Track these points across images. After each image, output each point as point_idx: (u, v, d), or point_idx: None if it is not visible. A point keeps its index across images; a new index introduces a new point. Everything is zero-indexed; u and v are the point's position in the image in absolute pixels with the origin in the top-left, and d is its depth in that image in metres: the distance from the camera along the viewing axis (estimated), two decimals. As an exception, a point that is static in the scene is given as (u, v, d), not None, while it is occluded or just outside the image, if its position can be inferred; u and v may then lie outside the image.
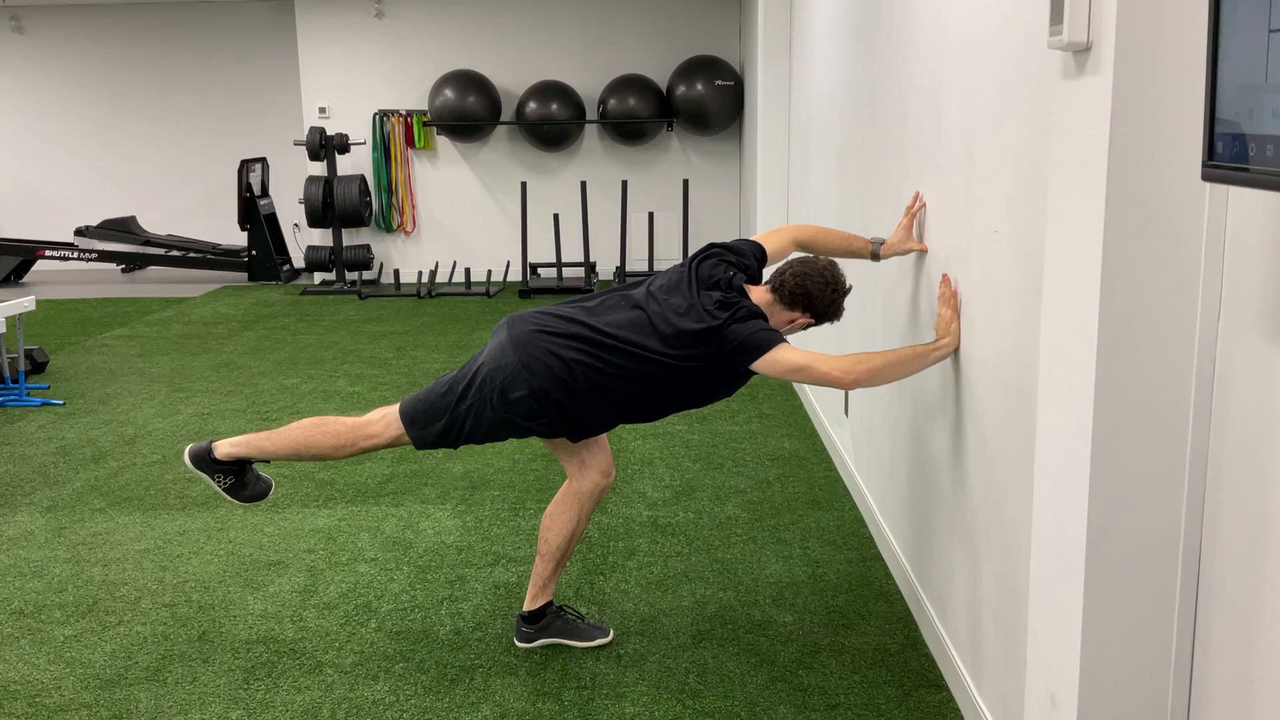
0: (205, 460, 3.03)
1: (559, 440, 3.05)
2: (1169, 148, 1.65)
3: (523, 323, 2.93)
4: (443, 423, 2.92)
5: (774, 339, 2.78)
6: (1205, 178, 1.38)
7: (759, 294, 2.97)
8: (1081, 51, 1.74)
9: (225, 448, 3.03)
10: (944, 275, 2.85)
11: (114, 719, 2.83)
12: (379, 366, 6.82)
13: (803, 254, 3.15)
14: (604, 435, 3.10)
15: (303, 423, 3.04)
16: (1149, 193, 1.67)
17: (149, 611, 3.43)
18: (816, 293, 2.96)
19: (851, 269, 3.57)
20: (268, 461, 3.10)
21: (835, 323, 3.08)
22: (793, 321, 2.98)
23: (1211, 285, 1.68)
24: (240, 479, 3.07)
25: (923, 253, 3.15)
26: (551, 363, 2.84)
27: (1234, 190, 1.63)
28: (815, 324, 3.03)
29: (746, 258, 3.04)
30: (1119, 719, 1.82)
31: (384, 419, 2.98)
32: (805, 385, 5.75)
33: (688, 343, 2.81)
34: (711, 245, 3.05)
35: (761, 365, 2.78)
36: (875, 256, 3.23)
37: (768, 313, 2.92)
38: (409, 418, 2.95)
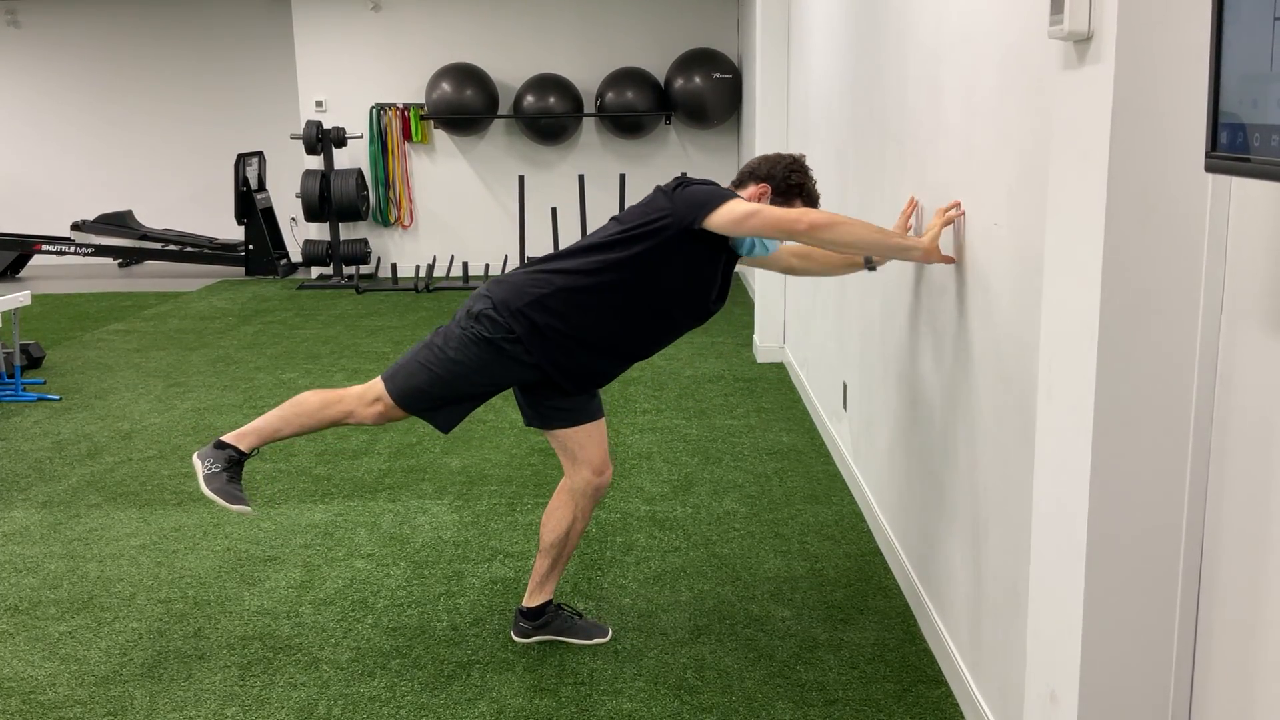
0: (219, 443, 2.97)
1: (556, 432, 3.03)
2: (1171, 138, 1.63)
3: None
4: (416, 361, 2.91)
5: (727, 195, 2.78)
6: (1209, 168, 1.36)
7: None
8: (1082, 41, 1.72)
9: (236, 435, 2.98)
10: (956, 201, 2.81)
11: (109, 716, 2.81)
12: (376, 361, 6.80)
13: None
14: (599, 431, 3.05)
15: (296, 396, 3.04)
16: (1151, 184, 1.65)
17: (145, 608, 3.42)
18: (766, 165, 2.96)
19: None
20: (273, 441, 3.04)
21: (813, 199, 2.98)
22: (761, 197, 2.94)
23: (1214, 277, 1.66)
24: (229, 472, 2.95)
25: None
26: (518, 280, 2.89)
27: (1236, 181, 1.61)
28: (783, 198, 2.93)
29: None
30: (1120, 716, 1.81)
31: (369, 383, 2.98)
32: (804, 380, 5.73)
33: (641, 212, 2.83)
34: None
35: (716, 219, 2.72)
36: (870, 265, 3.19)
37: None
38: (388, 374, 2.96)
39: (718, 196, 2.74)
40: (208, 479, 2.93)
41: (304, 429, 2.98)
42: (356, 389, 2.97)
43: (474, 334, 2.85)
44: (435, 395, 2.92)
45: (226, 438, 2.97)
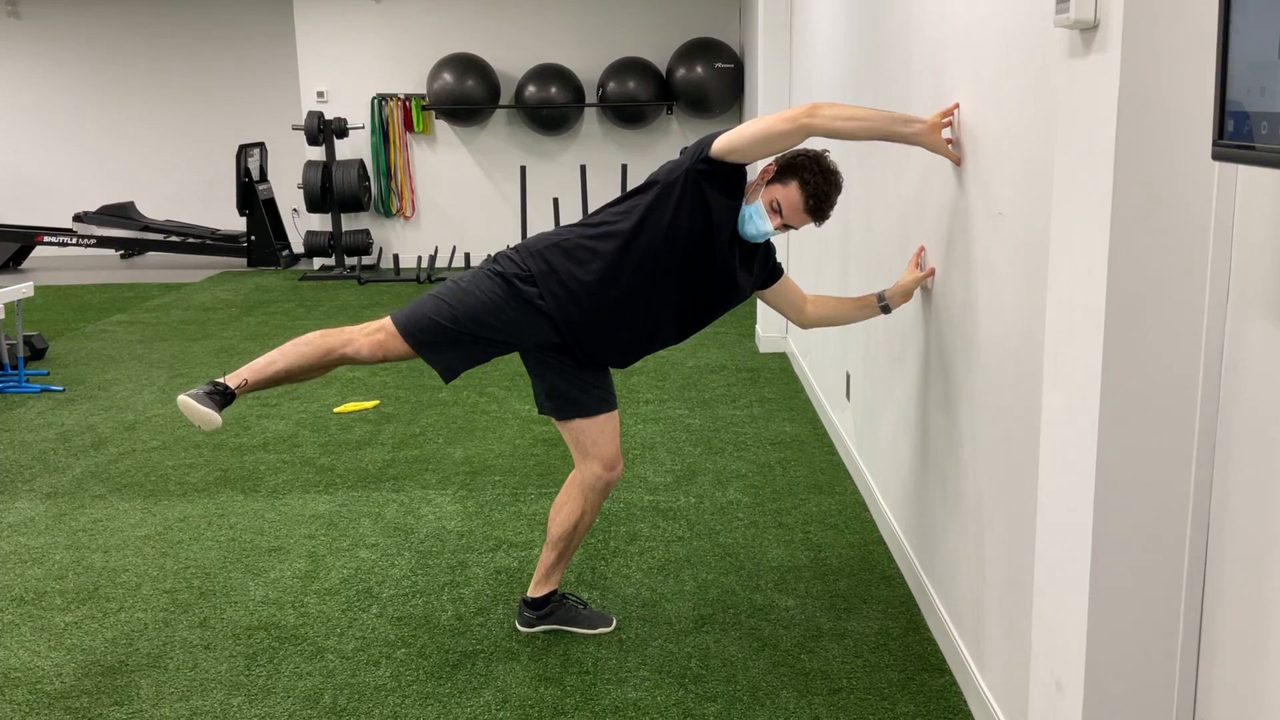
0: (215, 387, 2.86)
1: (568, 424, 3.01)
2: (1177, 127, 1.63)
3: None
4: (428, 295, 2.93)
5: (724, 130, 2.86)
6: (1215, 157, 1.36)
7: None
8: (1088, 30, 1.72)
9: (236, 379, 2.88)
10: (956, 103, 2.83)
11: (115, 705, 2.82)
12: (379, 352, 6.80)
13: None
14: (612, 425, 3.03)
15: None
16: (1157, 173, 1.65)
17: (150, 598, 3.42)
18: (784, 155, 2.97)
19: (855, 222, 3.53)
20: (273, 385, 2.97)
21: (810, 189, 2.87)
22: (763, 176, 2.93)
23: (1220, 266, 1.66)
24: (208, 394, 2.84)
25: (931, 276, 3.10)
26: (541, 235, 2.96)
27: (1243, 170, 1.61)
28: (780, 178, 2.88)
29: None
30: (1125, 704, 1.82)
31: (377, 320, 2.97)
32: (806, 370, 5.73)
33: (651, 177, 2.91)
34: None
35: (720, 142, 2.80)
36: (883, 304, 3.18)
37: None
38: (397, 313, 2.93)
39: (718, 132, 2.86)
40: (188, 394, 2.82)
41: (299, 359, 2.88)
42: (366, 326, 2.92)
43: (490, 269, 2.91)
44: (441, 327, 2.88)
45: (240, 379, 2.87)
